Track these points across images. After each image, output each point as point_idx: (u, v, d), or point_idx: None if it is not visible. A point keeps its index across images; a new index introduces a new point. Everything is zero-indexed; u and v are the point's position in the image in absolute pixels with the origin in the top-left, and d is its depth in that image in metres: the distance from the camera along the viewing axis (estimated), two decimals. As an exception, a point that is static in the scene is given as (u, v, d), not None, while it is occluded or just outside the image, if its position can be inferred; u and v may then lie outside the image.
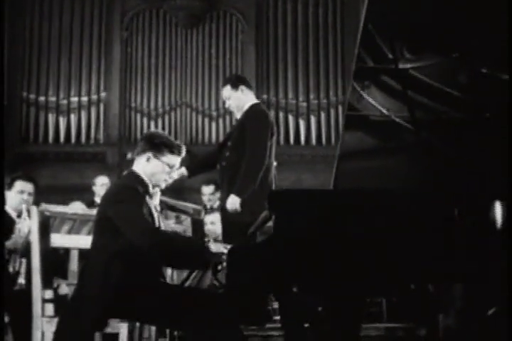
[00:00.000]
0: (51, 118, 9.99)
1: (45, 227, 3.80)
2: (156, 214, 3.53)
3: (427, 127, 3.66)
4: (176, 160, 3.57)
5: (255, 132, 4.78)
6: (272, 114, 9.95)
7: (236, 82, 5.06)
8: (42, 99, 10.02)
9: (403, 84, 3.63)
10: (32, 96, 10.02)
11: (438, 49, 3.62)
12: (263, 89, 10.21)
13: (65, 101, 10.04)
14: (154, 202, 3.56)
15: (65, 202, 8.45)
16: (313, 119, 10.11)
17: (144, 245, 3.30)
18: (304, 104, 10.17)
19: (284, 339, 3.62)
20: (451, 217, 3.10)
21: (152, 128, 9.90)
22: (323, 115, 10.08)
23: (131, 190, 3.43)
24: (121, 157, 9.74)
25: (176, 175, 3.61)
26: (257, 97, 9.68)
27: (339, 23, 10.33)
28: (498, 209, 3.09)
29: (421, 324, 4.15)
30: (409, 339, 4.36)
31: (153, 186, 3.55)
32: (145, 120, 10.10)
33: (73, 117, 10.01)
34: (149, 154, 3.52)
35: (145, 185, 3.51)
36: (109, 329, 3.46)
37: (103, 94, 10.14)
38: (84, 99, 10.09)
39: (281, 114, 10.14)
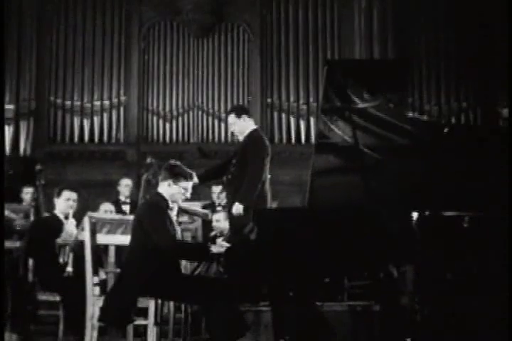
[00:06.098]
0: (76, 120, 10.60)
1: (93, 230, 4.85)
2: (174, 221, 4.65)
3: (380, 151, 4.62)
4: (189, 184, 4.69)
5: (254, 154, 5.63)
6: (275, 115, 10.68)
7: (239, 111, 5.88)
8: (68, 103, 10.63)
9: (363, 118, 4.58)
10: (59, 100, 10.64)
11: (388, 92, 4.65)
12: (267, 93, 10.79)
13: (88, 105, 10.63)
14: (173, 213, 4.70)
15: (89, 195, 9.27)
16: (312, 120, 10.55)
17: (162, 245, 4.42)
18: (305, 107, 10.70)
19: (272, 313, 4.71)
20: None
21: (167, 130, 10.70)
22: (321, 116, 10.70)
23: (158, 206, 4.58)
24: (140, 155, 10.34)
25: (188, 194, 4.71)
26: (262, 101, 10.69)
27: (336, 33, 10.83)
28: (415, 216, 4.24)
29: (377, 302, 5.18)
30: (366, 314, 5.34)
31: (172, 202, 4.68)
32: (161, 121, 10.73)
33: (96, 119, 10.62)
34: (170, 181, 4.63)
35: (167, 202, 4.64)
36: (140, 304, 4.51)
37: (123, 98, 10.76)
38: (106, 102, 10.68)
39: (283, 116, 10.70)
